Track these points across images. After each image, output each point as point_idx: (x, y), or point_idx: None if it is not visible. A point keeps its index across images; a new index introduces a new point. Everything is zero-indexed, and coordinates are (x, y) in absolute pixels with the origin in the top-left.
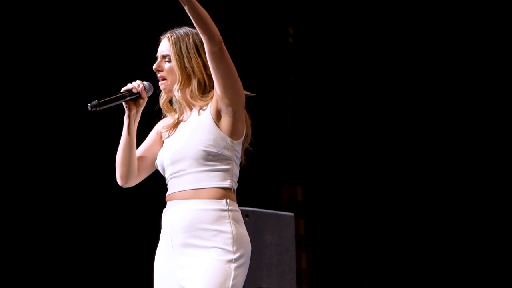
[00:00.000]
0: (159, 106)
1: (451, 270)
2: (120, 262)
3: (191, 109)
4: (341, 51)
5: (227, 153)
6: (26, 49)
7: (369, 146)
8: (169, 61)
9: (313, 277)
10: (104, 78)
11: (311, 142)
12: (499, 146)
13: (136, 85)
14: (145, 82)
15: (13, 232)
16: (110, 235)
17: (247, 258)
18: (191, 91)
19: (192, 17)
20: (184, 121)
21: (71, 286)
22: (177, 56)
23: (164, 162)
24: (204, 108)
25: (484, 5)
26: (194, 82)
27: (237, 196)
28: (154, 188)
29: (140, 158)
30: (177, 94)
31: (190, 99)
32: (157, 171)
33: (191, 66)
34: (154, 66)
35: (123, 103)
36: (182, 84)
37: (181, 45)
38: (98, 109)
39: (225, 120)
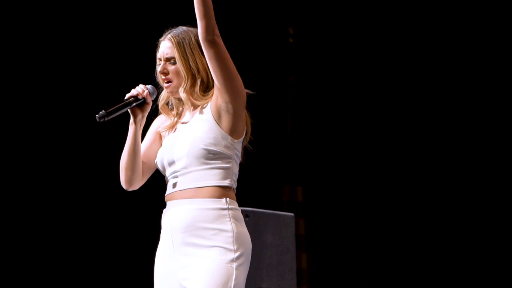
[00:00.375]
0: (156, 105)
1: (451, 271)
2: (121, 262)
3: (194, 108)
4: (341, 52)
5: (227, 151)
6: (29, 51)
7: (369, 147)
8: (174, 63)
9: (313, 277)
10: (104, 78)
11: (311, 142)
12: (499, 146)
13: (140, 90)
14: (148, 86)
15: (13, 232)
16: (110, 235)
17: (248, 257)
18: (195, 90)
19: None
20: (184, 120)
21: (71, 286)
22: (182, 58)
23: (164, 161)
24: (205, 106)
25: (484, 5)
26: (198, 82)
27: (237, 196)
28: (154, 188)
29: (143, 160)
30: (183, 95)
31: (193, 99)
32: (157, 171)
33: (196, 67)
34: (159, 69)
35: (128, 110)
36: (189, 85)
37: (185, 46)
38: (106, 119)
39: (226, 118)
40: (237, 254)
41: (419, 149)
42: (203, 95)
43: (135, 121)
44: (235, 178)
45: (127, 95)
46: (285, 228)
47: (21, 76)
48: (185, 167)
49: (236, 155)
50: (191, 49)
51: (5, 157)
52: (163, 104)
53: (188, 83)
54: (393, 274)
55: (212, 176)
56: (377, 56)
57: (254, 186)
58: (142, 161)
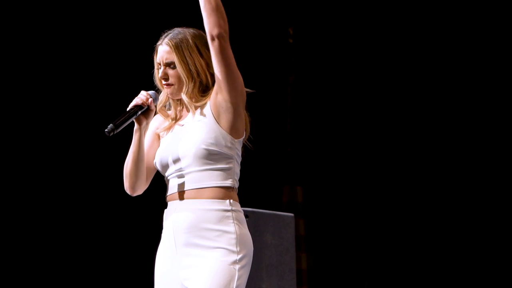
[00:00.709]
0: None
1: (451, 271)
2: (121, 262)
3: (194, 109)
4: (341, 52)
5: (228, 151)
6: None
7: (369, 147)
8: (174, 67)
9: (313, 277)
10: (105, 79)
11: (311, 142)
12: (499, 146)
13: (144, 98)
14: (150, 92)
15: (13, 232)
16: (110, 236)
17: (250, 259)
18: (194, 92)
19: None
20: (184, 121)
21: (71, 286)
22: (182, 62)
23: (164, 161)
24: (204, 106)
25: (484, 5)
26: (198, 83)
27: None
28: (154, 189)
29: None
30: (186, 98)
31: (193, 100)
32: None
33: (195, 69)
34: (160, 75)
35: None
36: (190, 88)
37: (183, 49)
38: (115, 132)
39: (225, 117)
40: (240, 256)
41: (419, 149)
42: (202, 96)
43: (140, 128)
44: (237, 177)
45: (131, 105)
46: (284, 228)
47: (23, 79)
48: (186, 168)
49: (237, 154)
50: (189, 52)
51: (10, 160)
52: (161, 106)
53: (190, 86)
54: (393, 274)
55: (214, 177)
56: (377, 56)
57: (254, 186)
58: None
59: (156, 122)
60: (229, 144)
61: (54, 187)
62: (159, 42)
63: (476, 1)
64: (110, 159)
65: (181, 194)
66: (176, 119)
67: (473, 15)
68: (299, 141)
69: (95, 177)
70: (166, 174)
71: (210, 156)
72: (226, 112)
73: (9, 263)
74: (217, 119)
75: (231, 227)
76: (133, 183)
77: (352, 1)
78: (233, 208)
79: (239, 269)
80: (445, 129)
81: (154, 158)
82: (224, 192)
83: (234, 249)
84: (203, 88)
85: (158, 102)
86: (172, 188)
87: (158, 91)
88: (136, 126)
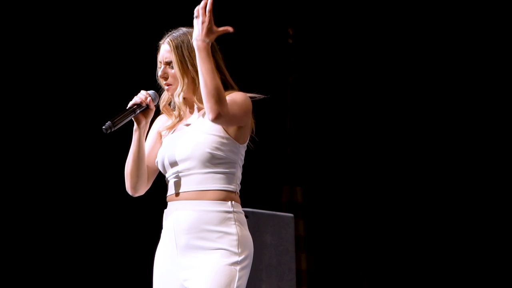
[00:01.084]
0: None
1: (450, 271)
2: (121, 262)
3: (199, 110)
4: (341, 52)
5: (232, 156)
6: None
7: (368, 147)
8: (173, 67)
9: (313, 278)
10: (106, 80)
11: (311, 142)
12: (499, 146)
13: (143, 97)
14: (150, 92)
15: (13, 231)
16: (110, 236)
17: (250, 260)
18: (197, 92)
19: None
20: (188, 121)
21: (71, 286)
22: (179, 62)
23: (166, 161)
24: None
25: (484, 5)
26: (197, 84)
27: None
28: (154, 189)
29: (147, 164)
30: (177, 99)
31: (197, 101)
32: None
33: (195, 70)
34: (160, 74)
35: (132, 118)
36: (185, 88)
37: (183, 49)
38: (113, 129)
39: (233, 129)
40: (241, 257)
41: (418, 149)
42: None
43: (139, 128)
44: (239, 181)
45: (130, 103)
46: (284, 228)
47: (24, 80)
48: (188, 169)
49: (241, 159)
50: (189, 52)
51: (10, 160)
52: (165, 105)
53: (185, 86)
54: (393, 275)
55: (217, 180)
56: (377, 56)
57: (253, 187)
58: (146, 166)
59: (159, 121)
60: (233, 149)
61: (54, 187)
62: (161, 41)
63: (476, 1)
64: (111, 159)
65: (182, 195)
66: (180, 119)
67: (473, 15)
68: (298, 141)
69: (95, 177)
70: (168, 174)
71: (214, 160)
72: (234, 127)
73: (9, 263)
74: (225, 128)
75: (232, 228)
76: (134, 183)
77: (352, 1)
78: (234, 209)
79: (240, 270)
80: (445, 129)
81: (156, 158)
82: (226, 195)
83: (236, 250)
84: None
85: (161, 100)
86: (173, 188)
87: (159, 91)
88: (135, 125)
